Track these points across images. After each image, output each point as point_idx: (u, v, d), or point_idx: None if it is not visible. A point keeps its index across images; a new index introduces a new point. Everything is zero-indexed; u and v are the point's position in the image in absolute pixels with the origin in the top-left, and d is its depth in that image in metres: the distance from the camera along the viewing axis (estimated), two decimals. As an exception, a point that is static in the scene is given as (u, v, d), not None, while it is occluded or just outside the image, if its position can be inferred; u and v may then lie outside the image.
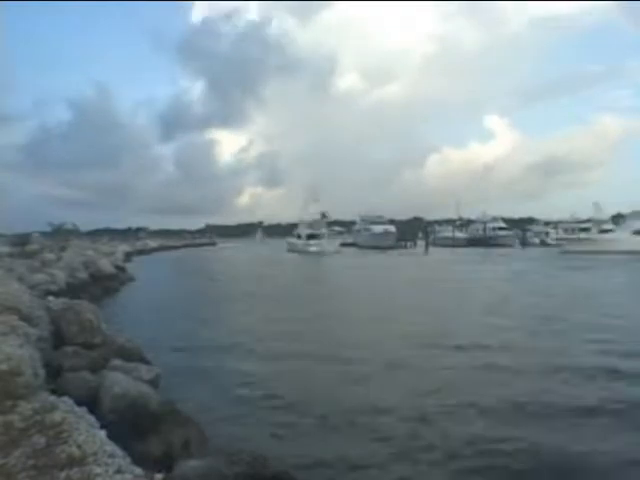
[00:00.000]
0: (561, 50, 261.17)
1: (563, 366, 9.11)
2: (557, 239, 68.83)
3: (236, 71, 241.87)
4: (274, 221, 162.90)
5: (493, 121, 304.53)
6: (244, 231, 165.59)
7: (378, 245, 72.31)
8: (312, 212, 76.25)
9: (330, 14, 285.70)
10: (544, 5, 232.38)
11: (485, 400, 7.39)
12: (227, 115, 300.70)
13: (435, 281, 26.39)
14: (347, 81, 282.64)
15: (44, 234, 41.71)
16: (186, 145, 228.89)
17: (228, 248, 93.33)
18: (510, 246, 73.45)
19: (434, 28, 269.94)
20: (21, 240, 27.27)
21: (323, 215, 77.03)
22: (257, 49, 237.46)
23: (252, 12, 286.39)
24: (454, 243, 78.83)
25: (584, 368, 8.99)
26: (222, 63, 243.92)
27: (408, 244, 78.42)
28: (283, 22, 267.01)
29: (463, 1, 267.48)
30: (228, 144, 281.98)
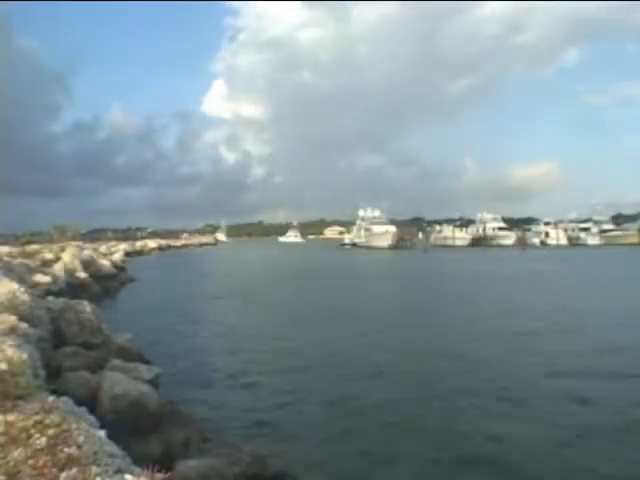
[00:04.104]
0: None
1: None
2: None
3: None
4: (275, 221, 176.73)
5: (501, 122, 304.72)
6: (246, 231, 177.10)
7: (378, 245, 72.37)
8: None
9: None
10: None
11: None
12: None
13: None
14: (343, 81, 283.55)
15: (45, 234, 41.74)
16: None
17: (228, 248, 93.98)
18: (509, 247, 73.17)
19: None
20: (21, 240, 27.30)
21: None
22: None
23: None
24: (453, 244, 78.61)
25: None
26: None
27: (408, 244, 78.40)
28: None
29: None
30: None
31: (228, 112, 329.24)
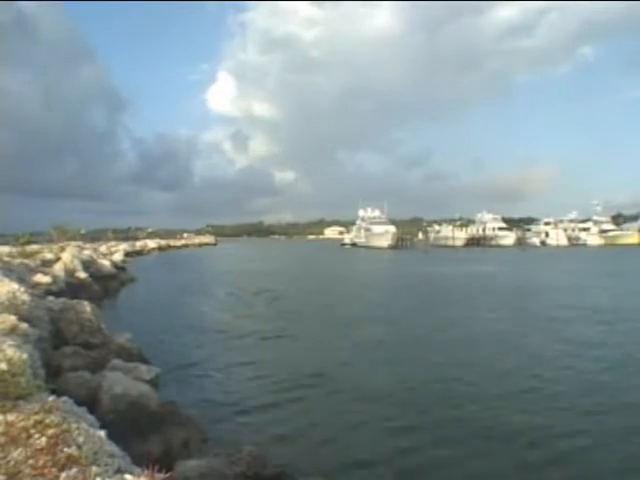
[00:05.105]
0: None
1: None
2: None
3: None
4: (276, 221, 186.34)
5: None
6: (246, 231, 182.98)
7: (378, 245, 72.42)
8: None
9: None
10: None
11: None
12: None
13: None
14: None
15: (45, 234, 41.71)
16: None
17: (228, 247, 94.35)
18: (509, 247, 73.18)
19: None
20: (21, 240, 27.26)
21: None
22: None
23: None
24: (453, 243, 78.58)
25: None
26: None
27: (408, 244, 78.48)
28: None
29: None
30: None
31: (236, 110, 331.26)
